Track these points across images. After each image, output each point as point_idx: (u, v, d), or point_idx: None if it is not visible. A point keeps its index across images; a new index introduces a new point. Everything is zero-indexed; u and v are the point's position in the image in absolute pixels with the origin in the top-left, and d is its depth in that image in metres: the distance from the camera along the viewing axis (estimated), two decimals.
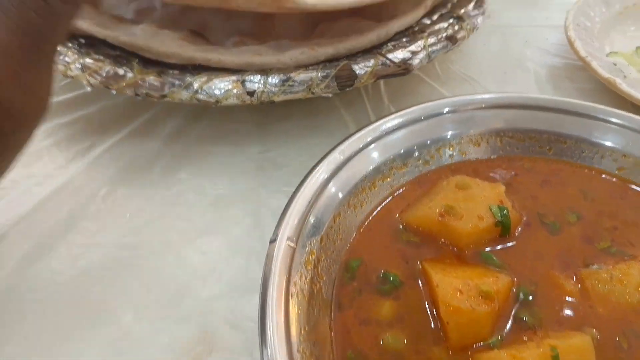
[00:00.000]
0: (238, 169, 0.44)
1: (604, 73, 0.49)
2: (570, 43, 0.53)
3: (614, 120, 0.42)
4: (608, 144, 0.42)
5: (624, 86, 0.48)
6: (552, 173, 0.42)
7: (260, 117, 0.48)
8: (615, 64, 0.52)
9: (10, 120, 0.27)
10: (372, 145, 0.39)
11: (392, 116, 0.40)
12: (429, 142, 0.41)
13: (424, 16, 0.50)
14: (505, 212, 0.36)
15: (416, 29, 0.49)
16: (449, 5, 0.52)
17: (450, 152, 0.42)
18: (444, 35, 0.46)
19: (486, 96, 0.42)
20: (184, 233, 0.39)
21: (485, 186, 0.38)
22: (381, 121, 0.40)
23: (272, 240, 0.30)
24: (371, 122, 0.39)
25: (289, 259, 0.30)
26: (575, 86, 0.54)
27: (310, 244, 0.32)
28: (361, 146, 0.38)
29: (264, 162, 0.45)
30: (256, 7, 0.41)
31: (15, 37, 0.26)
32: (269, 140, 0.47)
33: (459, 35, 0.46)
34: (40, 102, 0.28)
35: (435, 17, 0.50)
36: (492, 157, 0.43)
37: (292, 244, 0.31)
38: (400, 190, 0.40)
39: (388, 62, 0.43)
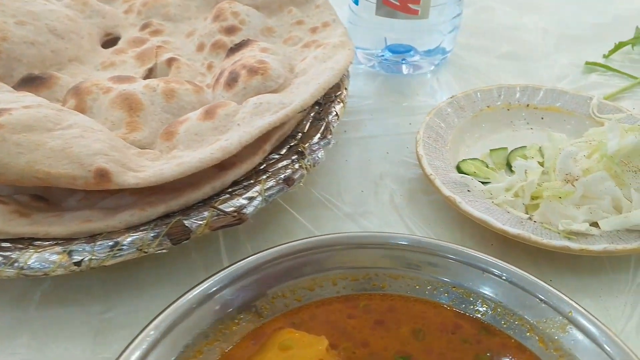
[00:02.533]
0: (76, 335, 0.43)
1: (445, 191, 0.51)
2: (419, 159, 0.55)
3: (442, 253, 0.43)
4: (439, 277, 0.43)
5: (462, 205, 0.50)
6: (388, 310, 0.42)
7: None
8: (463, 176, 0.54)
9: None
10: (197, 311, 0.39)
11: (222, 274, 0.41)
12: (260, 293, 0.41)
13: (271, 152, 0.52)
14: None
15: (263, 166, 0.50)
16: (299, 136, 0.54)
17: (286, 301, 0.42)
18: (282, 177, 0.47)
19: (317, 239, 0.43)
20: None
21: (310, 341, 0.38)
22: (209, 281, 0.40)
23: None
24: (194, 286, 0.39)
25: None
26: (429, 199, 0.56)
27: None
28: (182, 313, 0.38)
29: (104, 323, 0.44)
30: (81, 187, 0.42)
31: None
32: (113, 294, 0.46)
33: (296, 176, 0.48)
34: None
35: (284, 150, 0.52)
36: (329, 297, 0.43)
37: None
38: (232, 353, 0.40)
39: (221, 213, 0.44)
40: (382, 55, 0.79)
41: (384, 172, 0.60)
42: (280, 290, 0.42)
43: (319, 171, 0.59)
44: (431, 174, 0.53)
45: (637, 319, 0.45)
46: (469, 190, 0.53)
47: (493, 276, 0.41)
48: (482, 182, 0.55)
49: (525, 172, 0.54)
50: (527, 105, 0.66)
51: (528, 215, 0.51)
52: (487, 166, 0.58)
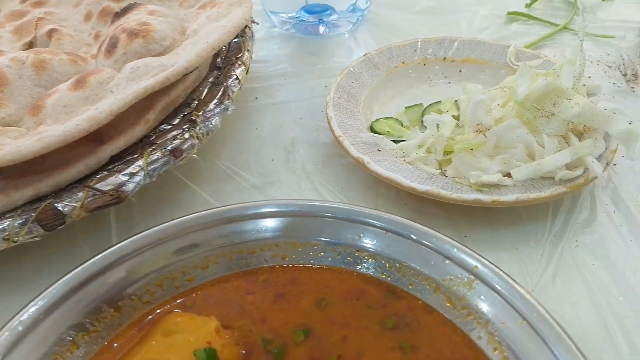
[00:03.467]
0: None
1: (354, 152, 0.48)
2: (328, 121, 0.52)
3: (342, 216, 0.40)
4: (343, 241, 0.40)
5: (371, 165, 0.47)
6: (290, 282, 0.39)
7: None
8: (374, 136, 0.51)
9: None
10: (70, 300, 0.35)
11: (100, 256, 0.36)
12: (145, 276, 0.37)
13: (163, 122, 0.47)
14: (213, 355, 0.33)
15: (153, 137, 0.45)
16: (195, 104, 0.49)
17: (176, 282, 0.38)
18: (168, 148, 0.43)
19: (201, 214, 0.39)
20: None
21: (197, 324, 0.35)
22: (84, 266, 0.36)
23: None
24: (68, 272, 0.35)
25: None
26: (343, 162, 0.53)
27: None
28: (51, 304, 0.34)
29: None
30: None
31: None
32: None
33: (185, 146, 0.43)
34: None
35: (177, 120, 0.48)
36: (226, 274, 0.39)
37: None
38: (115, 343, 0.36)
39: (98, 192, 0.40)
40: (299, 17, 0.75)
41: (296, 138, 0.56)
42: (168, 272, 0.38)
43: (225, 141, 0.55)
44: (340, 136, 0.50)
45: (553, 268, 0.43)
46: (379, 150, 0.50)
47: (396, 235, 0.39)
48: (397, 141, 0.52)
49: (437, 127, 0.51)
50: (444, 59, 0.63)
51: (439, 171, 0.48)
52: (401, 124, 0.55)
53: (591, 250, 0.44)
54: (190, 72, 0.48)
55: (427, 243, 0.38)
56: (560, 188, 0.44)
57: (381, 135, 0.51)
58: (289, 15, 0.75)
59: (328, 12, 0.75)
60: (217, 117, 0.47)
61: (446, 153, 0.50)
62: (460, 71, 0.63)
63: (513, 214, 0.47)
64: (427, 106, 0.58)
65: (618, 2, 0.80)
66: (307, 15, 0.75)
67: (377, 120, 0.55)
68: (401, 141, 0.52)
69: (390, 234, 0.39)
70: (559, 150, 0.46)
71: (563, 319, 0.40)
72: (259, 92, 0.62)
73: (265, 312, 0.37)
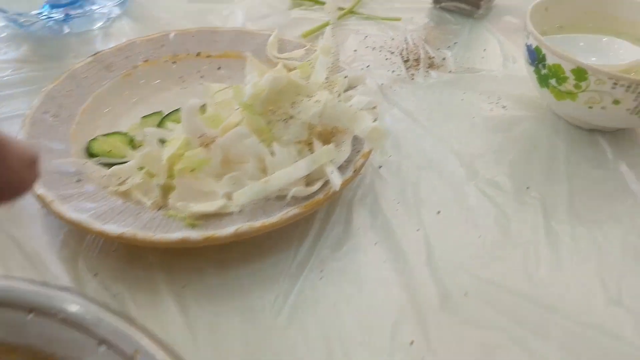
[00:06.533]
0: None
1: (38, 189, 0.36)
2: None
3: None
4: None
5: (54, 204, 0.35)
6: None
7: None
8: (74, 161, 0.40)
9: None
10: None
11: None
12: None
13: None
14: None
15: None
16: None
17: None
18: None
19: None
20: None
21: None
22: None
23: None
24: None
25: None
26: None
27: None
28: None
29: None
30: None
31: None
32: None
33: None
34: None
35: None
36: None
37: None
38: None
39: None
40: (41, 13, 0.61)
41: None
42: None
43: None
44: None
45: (288, 313, 0.34)
46: (79, 181, 0.38)
47: (41, 318, 0.27)
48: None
49: (163, 143, 0.41)
50: (198, 54, 0.52)
51: (150, 203, 0.38)
52: (131, 141, 0.44)
53: (336, 281, 0.36)
54: None
55: (79, 323, 0.27)
56: (292, 209, 0.36)
57: (87, 160, 0.40)
58: (29, 13, 0.60)
59: (78, 3, 0.62)
60: None
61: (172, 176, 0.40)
62: (219, 68, 0.52)
63: (252, 247, 0.38)
64: (168, 114, 0.47)
65: None
66: (53, 10, 0.61)
67: (95, 138, 0.44)
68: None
69: (33, 317, 0.27)
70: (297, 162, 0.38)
71: None
72: None
73: None
